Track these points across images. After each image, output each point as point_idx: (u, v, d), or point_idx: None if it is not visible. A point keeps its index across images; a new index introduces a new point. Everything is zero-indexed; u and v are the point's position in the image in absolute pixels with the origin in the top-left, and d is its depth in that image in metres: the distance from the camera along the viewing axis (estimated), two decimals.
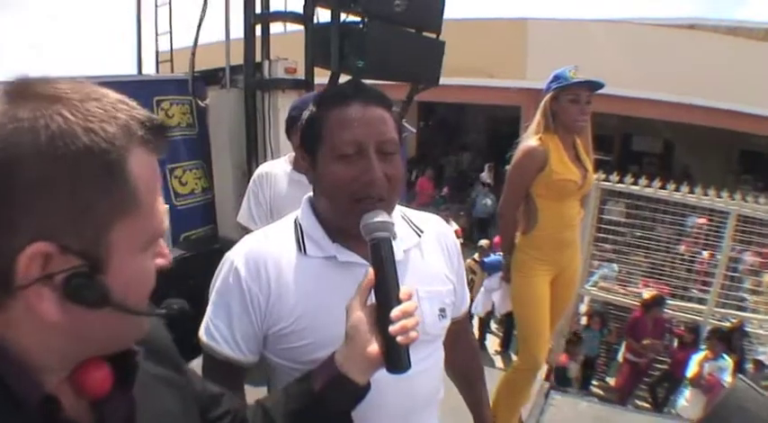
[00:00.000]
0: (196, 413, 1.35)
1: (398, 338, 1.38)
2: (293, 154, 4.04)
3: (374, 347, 1.40)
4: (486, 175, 19.64)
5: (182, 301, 1.13)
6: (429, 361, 1.90)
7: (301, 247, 1.82)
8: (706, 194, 8.41)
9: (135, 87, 5.82)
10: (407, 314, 1.41)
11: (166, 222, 1.04)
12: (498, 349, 11.01)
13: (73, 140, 0.84)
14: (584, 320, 9.93)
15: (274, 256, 1.79)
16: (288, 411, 1.46)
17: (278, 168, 4.09)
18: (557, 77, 4.21)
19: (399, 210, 1.96)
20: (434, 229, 2.05)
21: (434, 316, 1.89)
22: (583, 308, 9.88)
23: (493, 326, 11.52)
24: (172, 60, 7.62)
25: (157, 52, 7.89)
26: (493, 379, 4.42)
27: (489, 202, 17.60)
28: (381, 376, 1.43)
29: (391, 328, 1.38)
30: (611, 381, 9.86)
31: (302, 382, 1.48)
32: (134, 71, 7.95)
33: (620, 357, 9.48)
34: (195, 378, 1.39)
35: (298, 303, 1.75)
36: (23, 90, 0.88)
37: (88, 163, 0.86)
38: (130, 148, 0.91)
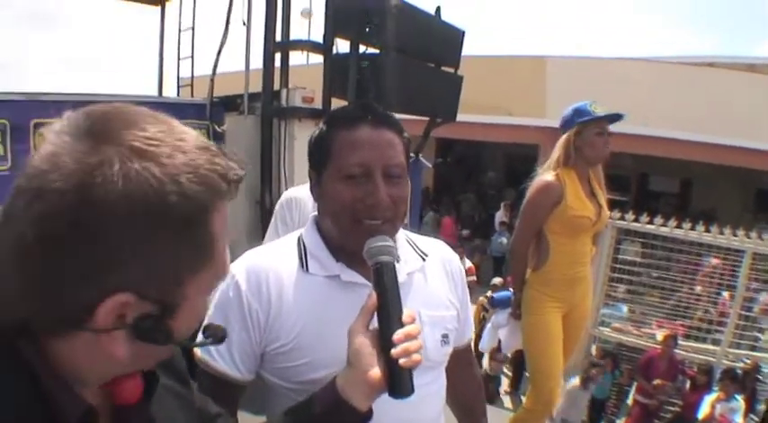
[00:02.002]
0: None
1: (401, 361, 1.33)
2: None
3: (376, 372, 1.35)
4: (502, 214, 19.52)
5: (223, 328, 1.15)
6: (430, 388, 1.85)
7: (304, 264, 1.80)
8: (722, 233, 8.34)
9: (153, 109, 5.85)
10: (410, 337, 1.37)
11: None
12: (508, 390, 10.87)
13: (163, 199, 0.85)
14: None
15: (276, 272, 1.77)
16: None
17: (304, 193, 4.02)
18: (579, 112, 4.23)
19: (404, 234, 1.95)
20: (439, 255, 2.03)
21: (436, 341, 1.85)
22: (594, 349, 9.76)
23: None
24: (192, 85, 7.66)
25: (179, 76, 7.95)
26: (501, 420, 4.36)
27: (505, 240, 17.44)
28: (380, 403, 1.39)
29: (393, 351, 1.34)
30: None
31: (302, 406, 1.44)
32: (155, 93, 8.01)
33: (630, 399, 9.37)
34: (196, 393, 1.36)
35: (298, 321, 1.73)
36: (106, 131, 0.87)
37: (176, 223, 0.87)
38: (214, 205, 0.93)
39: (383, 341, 1.38)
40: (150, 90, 8.55)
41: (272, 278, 1.76)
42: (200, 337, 1.12)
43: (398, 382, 1.34)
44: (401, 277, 1.65)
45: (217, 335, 1.13)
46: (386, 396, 1.37)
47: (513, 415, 4.72)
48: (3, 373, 0.87)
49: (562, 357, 4.43)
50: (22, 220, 0.82)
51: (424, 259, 1.93)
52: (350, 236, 1.71)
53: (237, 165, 0.97)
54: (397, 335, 1.36)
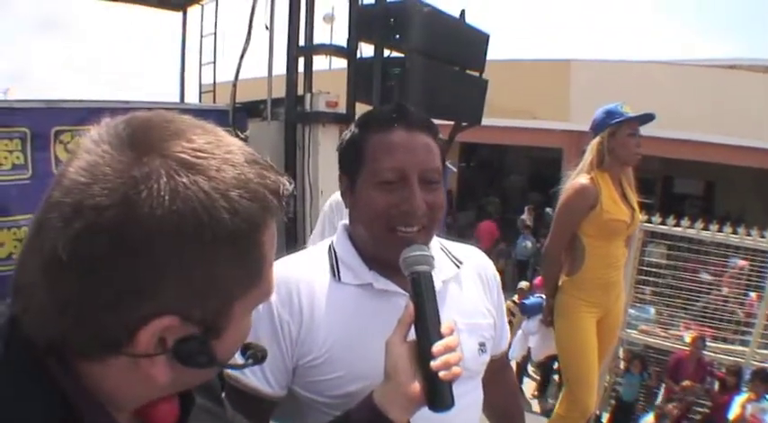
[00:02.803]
0: None
1: (441, 374, 1.31)
2: None
3: (415, 385, 1.33)
4: (526, 217, 19.41)
5: (263, 348, 1.11)
6: (467, 399, 1.79)
7: (335, 273, 1.75)
8: (749, 235, 8.26)
9: None
10: (450, 349, 1.35)
11: None
12: (536, 394, 10.84)
13: (212, 216, 0.81)
14: (622, 365, 9.75)
15: (307, 282, 1.72)
16: None
17: None
18: (611, 113, 4.23)
19: (438, 241, 1.90)
20: (474, 262, 1.99)
21: (474, 350, 1.81)
22: (621, 351, 9.71)
23: (530, 369, 11.35)
24: (214, 91, 7.67)
25: (200, 82, 7.96)
26: None
27: (529, 244, 17.33)
28: (417, 416, 1.36)
29: (433, 364, 1.32)
30: None
31: (338, 421, 1.42)
32: (176, 100, 8.02)
33: (658, 401, 9.31)
34: (229, 411, 1.32)
35: (330, 333, 1.68)
36: (149, 140, 0.83)
37: (226, 242, 0.83)
38: (265, 222, 0.89)
39: (422, 353, 1.36)
40: (172, 96, 8.59)
41: (304, 288, 1.71)
42: (238, 357, 1.07)
43: (438, 395, 1.32)
44: (436, 285, 1.60)
45: (257, 355, 1.09)
46: (424, 408, 1.34)
47: (548, 421, 4.67)
48: (32, 397, 0.82)
49: (597, 363, 4.39)
50: (59, 236, 0.77)
51: (458, 267, 1.88)
52: (383, 244, 1.67)
53: (287, 179, 0.93)
54: (437, 347, 1.34)
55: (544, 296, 4.80)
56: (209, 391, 1.20)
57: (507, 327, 2.16)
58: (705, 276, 9.17)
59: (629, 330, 8.94)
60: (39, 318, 0.82)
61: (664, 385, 9.02)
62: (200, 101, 7.88)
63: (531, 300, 5.59)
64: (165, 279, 0.80)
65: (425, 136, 1.70)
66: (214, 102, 7.47)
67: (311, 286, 1.72)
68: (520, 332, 9.57)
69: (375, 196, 1.66)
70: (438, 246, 1.88)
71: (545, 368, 10.42)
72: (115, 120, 0.87)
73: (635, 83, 15.44)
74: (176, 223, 0.78)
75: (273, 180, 0.90)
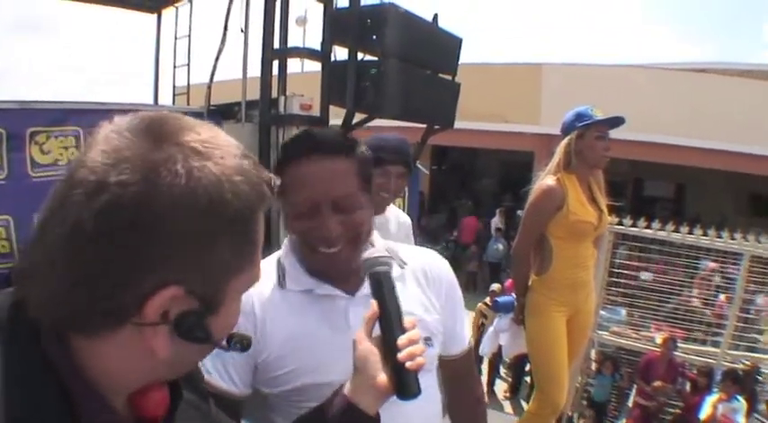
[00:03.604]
0: None
1: (407, 364, 1.39)
2: None
3: (383, 376, 1.41)
4: (497, 220, 19.49)
5: (248, 336, 1.18)
6: (425, 392, 1.85)
7: (281, 281, 1.91)
8: (719, 237, 8.37)
9: None
10: (413, 341, 1.44)
11: None
12: (507, 395, 10.90)
13: (221, 196, 0.90)
14: (594, 366, 9.82)
15: (258, 289, 1.80)
16: None
17: None
18: (580, 116, 4.29)
19: (384, 244, 2.00)
20: (421, 261, 2.11)
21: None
22: (593, 353, 9.78)
23: (502, 371, 11.41)
24: (188, 93, 7.66)
25: (174, 85, 7.95)
26: None
27: (501, 246, 17.42)
28: (383, 408, 1.44)
29: (400, 355, 1.40)
30: None
31: (313, 414, 1.51)
32: (150, 102, 8.00)
33: (630, 402, 9.38)
34: (213, 408, 1.37)
35: (279, 332, 1.84)
36: (164, 132, 0.93)
37: (230, 220, 0.93)
38: (259, 208, 0.99)
39: (387, 347, 1.44)
40: (145, 98, 8.57)
41: (255, 295, 1.86)
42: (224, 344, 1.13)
43: (406, 384, 1.41)
44: None
45: (243, 342, 1.16)
46: (392, 399, 1.43)
47: (519, 420, 4.72)
48: (30, 382, 0.88)
49: (567, 361, 4.45)
50: (84, 209, 0.84)
51: (402, 267, 2.01)
52: (312, 261, 1.89)
53: (273, 175, 1.03)
54: (401, 340, 1.43)
55: (515, 296, 4.84)
56: (195, 387, 1.25)
57: (463, 326, 2.25)
58: (646, 275, 9.28)
59: (600, 332, 9.02)
60: (45, 297, 0.88)
61: (635, 386, 9.11)
62: (173, 103, 7.86)
63: (504, 298, 5.63)
64: (177, 253, 0.89)
65: (337, 161, 1.81)
66: (188, 104, 7.46)
67: (261, 292, 1.88)
68: (491, 329, 9.60)
69: (296, 225, 1.85)
70: (384, 249, 1.95)
71: (516, 369, 10.49)
72: (127, 116, 0.96)
73: (606, 86, 15.51)
74: (191, 202, 0.87)
75: (264, 172, 1.01)
